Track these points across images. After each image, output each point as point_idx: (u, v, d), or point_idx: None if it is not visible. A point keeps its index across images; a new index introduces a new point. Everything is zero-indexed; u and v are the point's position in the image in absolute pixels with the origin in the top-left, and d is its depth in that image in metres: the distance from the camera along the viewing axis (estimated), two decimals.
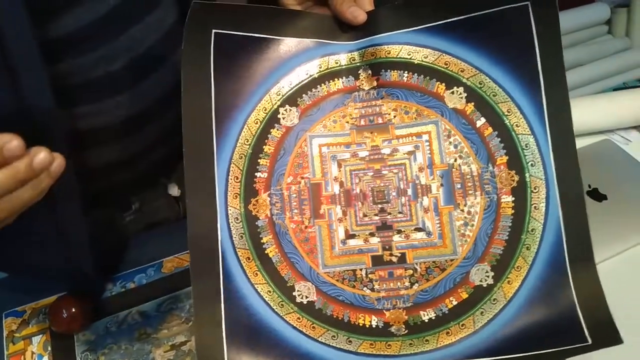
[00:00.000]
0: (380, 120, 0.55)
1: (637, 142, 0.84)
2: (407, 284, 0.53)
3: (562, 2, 0.51)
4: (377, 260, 0.53)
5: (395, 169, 0.55)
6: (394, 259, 0.53)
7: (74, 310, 0.60)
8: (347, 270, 0.53)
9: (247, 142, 0.54)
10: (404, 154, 0.55)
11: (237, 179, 0.53)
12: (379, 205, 0.54)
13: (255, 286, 0.52)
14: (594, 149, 0.84)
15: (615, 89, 0.95)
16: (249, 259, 0.52)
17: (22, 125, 0.45)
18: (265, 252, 0.53)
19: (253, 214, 0.53)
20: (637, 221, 0.73)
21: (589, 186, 0.77)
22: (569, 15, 0.97)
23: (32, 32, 0.41)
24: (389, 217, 0.54)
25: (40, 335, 0.62)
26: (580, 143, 0.86)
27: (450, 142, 0.54)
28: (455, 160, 0.54)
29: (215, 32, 0.51)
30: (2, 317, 0.64)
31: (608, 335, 0.44)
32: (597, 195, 0.76)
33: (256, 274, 0.53)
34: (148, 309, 0.67)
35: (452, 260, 0.52)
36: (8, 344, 0.61)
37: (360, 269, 0.53)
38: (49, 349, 0.61)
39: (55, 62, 0.46)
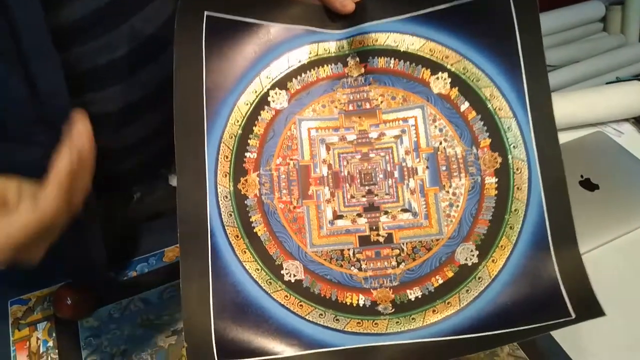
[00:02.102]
0: (368, 106, 0.56)
1: (629, 134, 0.88)
2: (393, 263, 0.54)
3: (557, 0, 0.55)
4: (364, 240, 0.54)
5: (383, 152, 0.56)
6: (381, 239, 0.54)
7: (77, 297, 0.62)
8: (335, 250, 0.54)
9: (237, 122, 0.55)
10: (391, 137, 0.56)
11: (227, 158, 0.54)
12: (367, 187, 0.56)
13: (244, 263, 0.53)
14: (587, 141, 0.88)
15: (609, 84, 0.99)
16: (237, 236, 0.53)
17: (35, 112, 0.47)
18: (254, 230, 0.53)
19: (242, 192, 0.54)
20: (628, 210, 0.76)
21: (582, 176, 0.81)
22: (564, 13, 1.02)
23: (44, 18, 0.42)
24: (376, 198, 0.55)
25: (45, 322, 0.64)
26: (573, 135, 0.91)
27: (435, 126, 0.56)
28: (441, 143, 0.55)
29: (207, 15, 0.53)
30: (8, 304, 0.66)
31: (590, 308, 0.45)
32: (589, 185, 0.79)
33: (244, 251, 0.53)
34: (150, 296, 0.69)
35: (437, 240, 0.54)
36: (14, 331, 0.63)
37: (348, 249, 0.54)
38: (54, 334, 0.63)
39: (64, 49, 0.47)
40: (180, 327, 0.62)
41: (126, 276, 0.70)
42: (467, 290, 0.52)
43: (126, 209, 0.72)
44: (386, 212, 0.55)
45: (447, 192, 0.55)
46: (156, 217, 0.75)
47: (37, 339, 0.62)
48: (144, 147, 0.64)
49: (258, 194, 0.54)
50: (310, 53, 0.56)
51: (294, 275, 0.54)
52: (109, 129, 0.58)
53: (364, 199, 0.55)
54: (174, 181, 0.79)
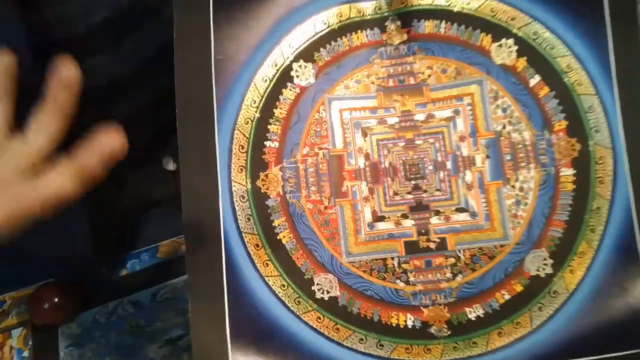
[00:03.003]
0: (412, 81, 0.49)
1: None
2: (448, 275, 0.47)
3: None
4: (412, 247, 0.48)
5: (431, 138, 0.49)
6: (432, 246, 0.48)
7: (57, 300, 0.56)
8: (376, 260, 0.47)
9: (254, 104, 0.48)
10: (441, 120, 0.49)
11: (243, 148, 0.48)
12: (413, 182, 0.49)
13: (266, 279, 0.46)
14: None
15: None
16: (257, 246, 0.47)
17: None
18: (278, 237, 0.47)
19: (262, 191, 0.48)
20: None
21: None
22: None
23: None
24: (424, 195, 0.48)
25: (21, 328, 0.59)
26: None
27: (497, 106, 0.48)
28: (504, 126, 0.48)
29: None
30: None
31: None
32: None
33: (267, 264, 0.47)
34: (141, 298, 0.62)
35: (502, 246, 0.47)
36: None
37: (392, 258, 0.47)
38: (30, 343, 0.58)
39: (33, 10, 0.43)
40: (175, 335, 0.57)
41: (114, 274, 0.63)
42: (540, 308, 0.46)
43: (115, 196, 0.64)
44: (437, 212, 0.48)
45: (513, 187, 0.48)
46: (148, 207, 0.68)
47: (11, 347, 0.57)
48: (133, 126, 0.56)
49: (281, 193, 0.48)
50: (341, 15, 0.48)
51: (328, 292, 0.47)
52: (92, 105, 0.52)
53: (410, 197, 0.48)
54: (169, 165, 0.72)
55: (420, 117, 0.49)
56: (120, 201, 0.70)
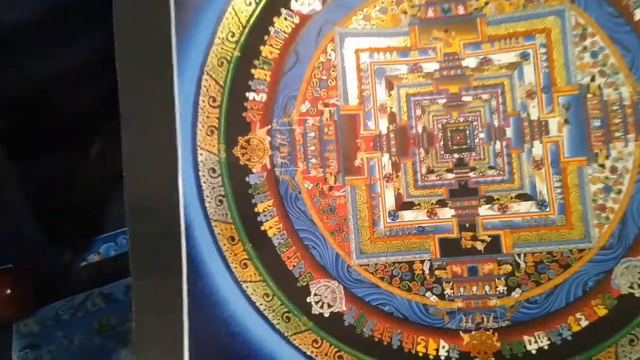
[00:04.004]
0: (461, 10, 0.39)
1: None
2: (501, 288, 0.38)
3: None
4: (451, 248, 0.38)
5: (486, 93, 0.39)
6: (480, 246, 0.38)
7: (9, 291, 0.51)
8: (399, 263, 0.38)
9: (232, 37, 0.38)
10: (502, 67, 0.39)
11: (215, 101, 0.38)
12: (456, 155, 0.39)
13: (243, 285, 0.38)
14: None
15: None
16: (232, 239, 0.38)
17: None
18: (262, 228, 0.38)
19: (241, 163, 0.38)
20: None
21: None
22: None
23: None
24: (472, 175, 0.39)
25: None
26: None
27: (584, 48, 0.38)
28: (593, 78, 0.38)
29: None
30: None
31: None
32: None
33: (245, 264, 0.38)
34: (115, 291, 0.55)
35: (581, 250, 0.37)
36: None
37: (422, 261, 0.38)
38: None
39: None
40: None
41: (85, 260, 0.56)
42: (632, 342, 0.36)
43: (82, 167, 0.60)
44: (490, 200, 0.38)
45: (602, 166, 0.38)
46: (118, 180, 0.57)
47: None
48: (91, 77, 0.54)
49: (269, 166, 0.39)
50: None
51: (329, 306, 0.38)
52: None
53: (451, 176, 0.39)
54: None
55: (470, 62, 0.39)
56: (80, 173, 0.62)
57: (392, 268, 0.38)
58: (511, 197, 0.38)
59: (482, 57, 0.39)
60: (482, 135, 0.39)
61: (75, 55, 0.54)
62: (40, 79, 0.53)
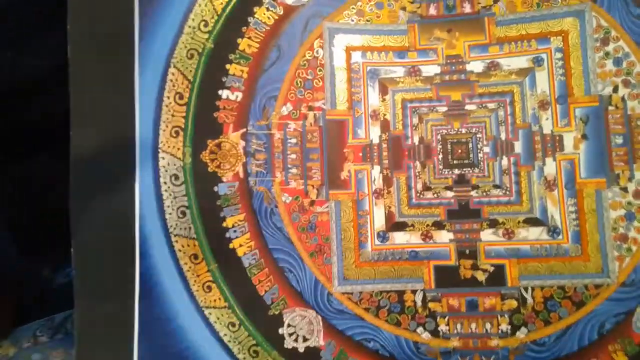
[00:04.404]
0: (467, 8, 0.36)
1: None
2: (504, 327, 0.33)
3: None
4: (447, 277, 0.34)
5: (492, 102, 0.35)
6: (481, 277, 0.34)
7: None
8: (388, 292, 0.34)
9: (205, 27, 0.35)
10: (511, 74, 0.35)
11: (182, 98, 0.34)
12: (457, 171, 0.35)
13: (206, 312, 0.34)
14: None
15: None
16: (195, 257, 0.34)
17: None
18: (230, 245, 0.35)
19: (210, 169, 0.35)
20: None
21: None
22: None
23: None
24: (473, 193, 0.35)
25: None
26: None
27: (606, 54, 0.34)
28: (616, 89, 0.34)
29: None
30: None
31: None
32: None
33: (209, 287, 0.34)
34: None
35: (597, 286, 0.33)
36: None
37: (413, 291, 0.34)
38: None
39: None
40: None
41: (67, 277, 0.51)
42: None
43: (60, 172, 0.51)
44: (494, 223, 0.35)
45: (624, 189, 0.33)
46: None
47: None
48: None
49: (242, 174, 0.35)
50: None
51: (305, 339, 0.34)
52: None
53: (450, 194, 0.35)
54: None
55: (476, 66, 0.35)
56: (58, 178, 0.58)
57: (380, 298, 0.34)
58: (518, 222, 0.34)
59: (489, 61, 0.36)
60: (486, 149, 0.35)
61: (45, 54, 0.50)
62: (7, 78, 0.50)
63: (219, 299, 0.33)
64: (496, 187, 0.34)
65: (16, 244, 0.52)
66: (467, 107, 0.35)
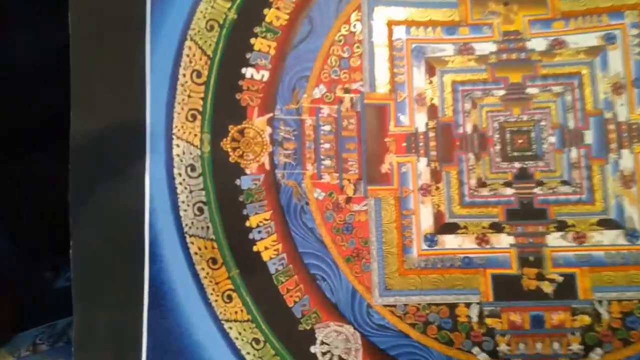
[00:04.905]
0: None
1: None
2: (576, 347, 0.30)
3: None
4: (508, 287, 0.31)
5: (558, 85, 0.31)
6: (548, 288, 0.30)
7: None
8: (438, 305, 0.31)
9: None
10: (579, 52, 0.31)
11: (200, 76, 0.31)
12: (517, 164, 0.31)
13: (225, 326, 0.30)
14: None
15: None
16: (214, 261, 0.31)
17: None
18: (254, 248, 0.31)
19: (231, 160, 0.31)
20: None
21: None
22: None
23: None
24: (537, 191, 0.31)
25: None
26: None
27: None
28: None
29: None
30: None
31: None
32: None
33: (229, 297, 0.31)
34: None
35: None
36: None
37: (467, 305, 0.31)
38: None
39: None
40: None
41: (68, 279, 0.48)
42: None
43: (61, 170, 0.48)
44: (562, 226, 0.31)
45: None
46: None
47: None
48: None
49: (268, 166, 0.31)
50: None
51: (341, 359, 0.30)
52: None
53: (510, 192, 0.31)
54: None
55: (538, 44, 0.32)
56: (58, 177, 0.57)
57: (428, 312, 0.31)
58: (591, 224, 0.31)
59: (552, 38, 0.32)
60: (552, 139, 0.32)
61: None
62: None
63: (241, 310, 0.30)
64: (564, 183, 0.30)
65: (15, 244, 0.50)
66: (529, 90, 0.31)
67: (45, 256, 0.53)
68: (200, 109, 0.30)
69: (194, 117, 0.30)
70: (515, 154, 0.31)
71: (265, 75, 0.31)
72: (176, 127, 0.30)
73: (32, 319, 0.51)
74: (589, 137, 0.31)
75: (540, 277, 0.30)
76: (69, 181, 0.28)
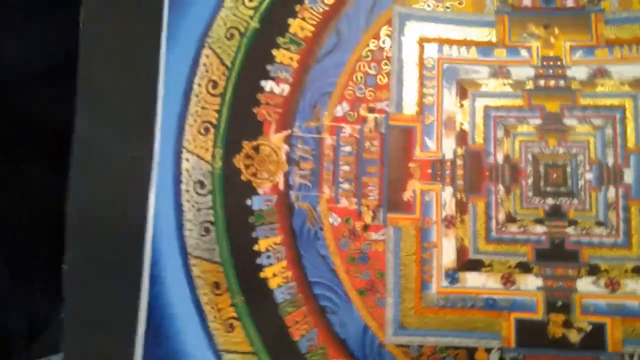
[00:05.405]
0: (569, 2, 0.31)
1: None
2: None
3: None
4: (533, 333, 0.28)
5: (598, 117, 0.29)
6: (574, 337, 0.28)
7: None
8: (456, 349, 0.28)
9: (251, 2, 0.30)
10: (623, 84, 0.30)
11: (216, 87, 0.30)
12: (550, 200, 0.29)
13: (225, 357, 0.28)
14: None
15: None
16: (217, 286, 0.29)
17: None
18: (261, 274, 0.29)
19: (243, 178, 0.29)
20: None
21: None
22: None
23: None
24: (570, 230, 0.29)
25: None
26: None
27: None
28: None
29: None
30: None
31: None
32: None
33: (231, 325, 0.28)
34: None
35: None
36: None
37: (488, 349, 0.28)
38: None
39: None
40: None
41: (55, 321, 0.45)
42: None
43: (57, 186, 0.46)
44: (594, 269, 0.29)
45: None
46: None
47: None
48: None
49: (282, 186, 0.29)
50: None
51: None
52: None
53: (542, 230, 0.29)
54: None
55: (579, 72, 0.30)
56: (54, 193, 0.54)
57: (444, 355, 0.29)
58: (626, 270, 0.29)
59: (595, 67, 0.30)
60: (589, 175, 0.30)
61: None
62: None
63: (244, 341, 0.28)
64: (599, 224, 0.28)
65: (7, 275, 0.48)
66: (566, 121, 0.29)
67: (40, 280, 0.51)
68: (215, 122, 0.29)
69: (207, 131, 0.28)
70: (549, 189, 0.29)
71: (285, 89, 0.29)
72: (187, 140, 0.29)
73: (24, 356, 0.48)
74: (629, 175, 0.29)
75: (568, 324, 0.28)
76: (68, 192, 0.26)
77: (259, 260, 0.28)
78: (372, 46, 0.30)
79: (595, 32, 0.30)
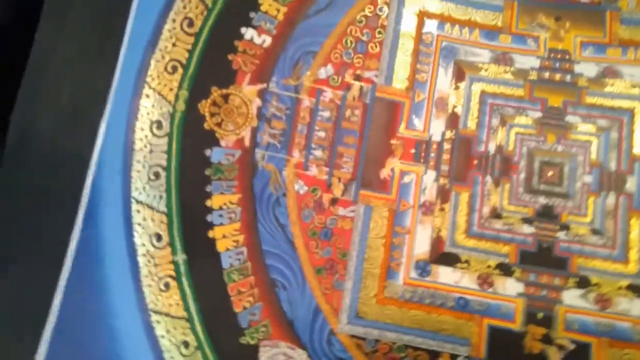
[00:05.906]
0: None
1: None
2: None
3: None
4: (506, 343, 0.25)
5: (603, 119, 0.27)
6: (554, 354, 0.25)
7: None
8: (417, 349, 0.25)
9: None
10: (634, 86, 0.27)
11: (191, 25, 0.27)
12: (543, 199, 0.26)
13: (153, 318, 0.24)
14: None
15: None
16: (158, 238, 0.25)
17: None
18: (209, 234, 0.26)
19: (206, 126, 0.27)
20: None
21: None
22: None
23: None
24: (561, 234, 0.26)
25: None
26: None
27: None
28: None
29: None
30: None
31: None
32: None
33: (166, 285, 0.25)
34: None
35: None
36: None
37: (454, 356, 0.25)
38: None
39: None
40: None
41: None
42: None
43: None
44: (584, 282, 0.25)
45: None
46: None
47: None
48: None
49: (247, 142, 0.27)
50: None
51: None
52: None
53: (529, 230, 0.26)
54: None
55: (587, 69, 0.28)
56: None
57: (403, 355, 0.25)
58: (620, 287, 0.25)
59: (606, 65, 0.28)
60: (588, 178, 0.27)
61: None
62: None
63: (177, 304, 0.24)
64: (594, 232, 0.25)
65: None
66: (569, 118, 0.27)
67: None
68: (184, 61, 0.26)
69: (174, 69, 0.26)
70: (542, 187, 0.26)
71: (267, 40, 0.27)
72: (151, 75, 0.26)
73: None
74: (632, 184, 0.26)
75: (548, 340, 0.25)
76: (16, 103, 0.24)
77: (209, 218, 0.25)
78: (367, 12, 0.27)
79: (610, 30, 0.28)
